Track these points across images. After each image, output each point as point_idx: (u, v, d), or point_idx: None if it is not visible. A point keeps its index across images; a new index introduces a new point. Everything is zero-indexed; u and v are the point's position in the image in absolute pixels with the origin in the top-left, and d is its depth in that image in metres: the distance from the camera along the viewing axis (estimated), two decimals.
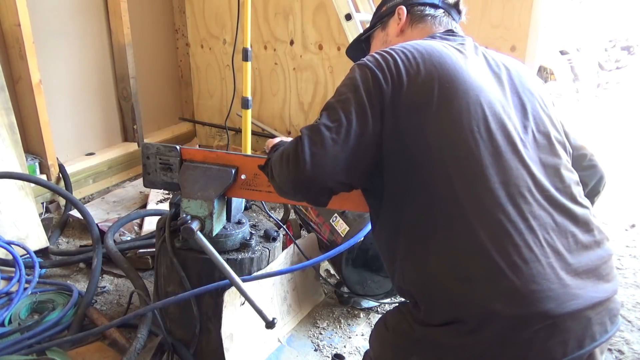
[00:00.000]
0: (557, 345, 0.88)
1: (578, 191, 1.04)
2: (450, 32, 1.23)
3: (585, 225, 0.99)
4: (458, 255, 0.94)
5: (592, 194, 1.23)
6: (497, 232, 0.91)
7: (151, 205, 2.88)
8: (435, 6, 1.29)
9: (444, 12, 1.29)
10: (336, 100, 1.04)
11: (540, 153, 1.02)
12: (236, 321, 1.64)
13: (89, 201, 3.08)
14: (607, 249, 1.01)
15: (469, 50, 1.12)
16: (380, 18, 1.37)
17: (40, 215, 2.65)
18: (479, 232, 0.91)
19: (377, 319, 1.17)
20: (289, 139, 1.28)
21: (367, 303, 2.09)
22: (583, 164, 1.20)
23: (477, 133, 0.96)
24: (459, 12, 1.32)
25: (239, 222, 1.72)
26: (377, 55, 1.07)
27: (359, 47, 1.50)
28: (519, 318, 0.87)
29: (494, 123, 0.98)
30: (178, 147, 1.58)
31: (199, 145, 3.99)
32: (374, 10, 2.30)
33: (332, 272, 2.30)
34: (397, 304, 1.16)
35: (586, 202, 1.04)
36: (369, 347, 1.20)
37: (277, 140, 1.39)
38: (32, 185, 2.43)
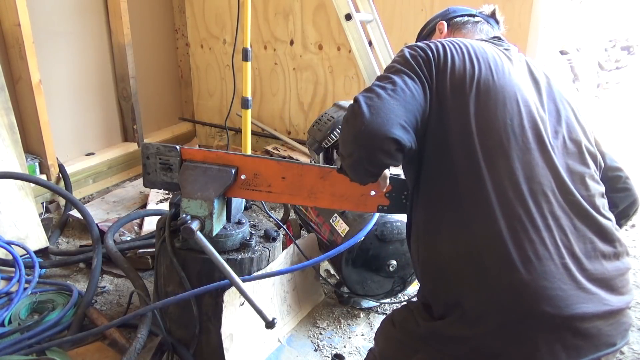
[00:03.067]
0: (563, 349, 0.88)
1: (602, 203, 1.04)
2: (497, 39, 1.26)
3: (606, 235, 0.99)
4: (474, 240, 0.94)
5: (620, 216, 1.22)
6: (515, 225, 0.92)
7: (151, 205, 2.88)
8: (472, 15, 1.37)
9: (482, 20, 1.36)
10: (387, 69, 1.08)
11: (568, 159, 1.03)
12: (236, 321, 1.64)
13: (89, 201, 3.08)
14: (626, 262, 1.01)
15: (514, 55, 1.16)
16: (422, 37, 1.45)
17: (40, 215, 2.65)
18: (498, 221, 0.92)
19: (377, 319, 1.17)
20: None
21: (367, 303, 2.09)
22: (617, 185, 1.20)
23: (509, 127, 0.98)
24: (497, 22, 1.39)
25: (239, 222, 1.72)
26: (427, 42, 1.12)
27: None
28: (525, 313, 0.88)
29: (527, 121, 1.00)
30: (178, 147, 1.58)
31: (199, 145, 3.99)
32: (374, 9, 2.27)
33: (332, 272, 2.30)
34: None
35: (609, 214, 1.04)
36: (373, 344, 1.20)
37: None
38: (32, 185, 2.43)
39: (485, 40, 1.21)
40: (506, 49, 1.17)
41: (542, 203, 0.94)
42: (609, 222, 1.02)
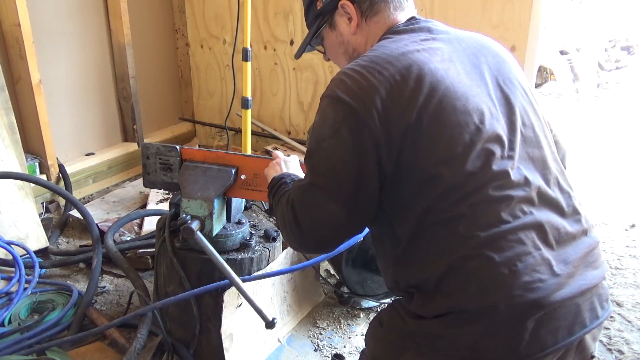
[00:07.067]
0: (547, 333, 0.90)
1: (564, 180, 1.06)
2: (413, 21, 1.14)
3: (572, 215, 1.02)
4: (454, 256, 0.95)
5: None
6: (492, 234, 0.93)
7: (151, 205, 2.88)
8: None
9: None
10: (317, 148, 0.99)
11: (527, 147, 1.03)
12: (236, 321, 1.64)
13: (88, 201, 3.08)
14: (594, 237, 1.04)
15: (444, 46, 1.06)
16: (321, 16, 1.25)
17: (40, 215, 2.65)
18: (476, 237, 0.93)
19: None
20: (288, 168, 1.28)
21: (367, 303, 2.09)
22: None
23: (471, 147, 0.96)
24: None
25: (239, 222, 1.72)
26: (348, 81, 0.98)
27: (313, 50, 1.43)
28: (512, 309, 0.90)
29: (485, 132, 0.97)
30: (178, 147, 1.58)
31: (199, 145, 3.99)
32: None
33: (332, 272, 2.30)
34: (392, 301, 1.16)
35: (572, 191, 1.06)
36: (365, 346, 1.20)
37: (279, 165, 1.33)
38: (32, 185, 2.43)
39: (406, 33, 1.09)
40: (433, 38, 1.06)
41: (514, 204, 0.95)
42: (573, 200, 1.04)
